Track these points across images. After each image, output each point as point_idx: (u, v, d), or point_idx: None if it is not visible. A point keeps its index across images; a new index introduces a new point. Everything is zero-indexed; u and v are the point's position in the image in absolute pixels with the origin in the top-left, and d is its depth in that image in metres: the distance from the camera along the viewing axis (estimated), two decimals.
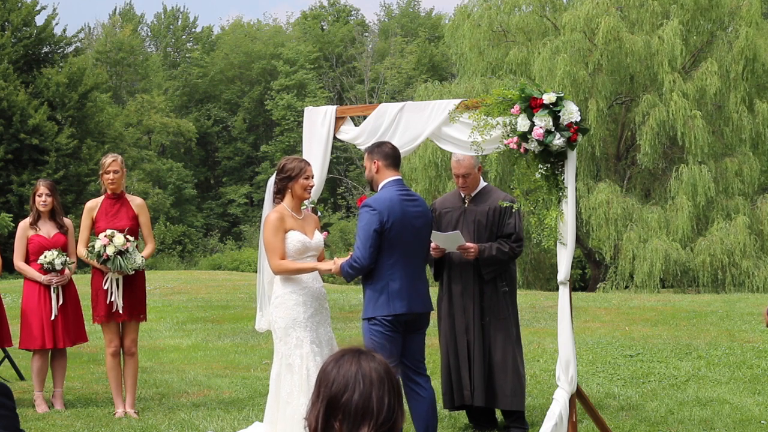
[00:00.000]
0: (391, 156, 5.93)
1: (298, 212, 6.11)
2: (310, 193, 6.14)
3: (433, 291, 7.07)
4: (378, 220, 5.67)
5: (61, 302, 7.66)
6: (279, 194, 6.12)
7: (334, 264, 5.91)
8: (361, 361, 2.67)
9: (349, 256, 5.83)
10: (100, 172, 7.51)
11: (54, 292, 7.64)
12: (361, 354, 2.70)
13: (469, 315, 6.65)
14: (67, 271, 7.70)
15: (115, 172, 7.43)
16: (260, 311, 6.59)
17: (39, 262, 7.61)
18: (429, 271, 7.13)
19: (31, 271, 7.67)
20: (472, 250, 6.51)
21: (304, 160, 6.19)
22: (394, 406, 2.66)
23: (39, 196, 7.74)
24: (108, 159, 7.50)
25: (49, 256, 7.57)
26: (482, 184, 6.91)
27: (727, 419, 6.91)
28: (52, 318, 7.62)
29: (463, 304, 6.67)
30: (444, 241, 6.57)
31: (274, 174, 6.20)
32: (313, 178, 6.14)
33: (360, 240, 5.72)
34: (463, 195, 6.86)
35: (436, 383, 7.00)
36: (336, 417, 2.61)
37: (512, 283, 6.79)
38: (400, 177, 5.97)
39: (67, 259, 7.65)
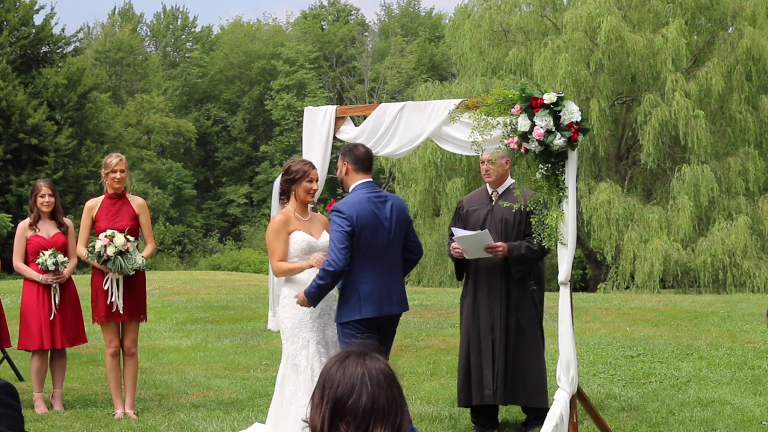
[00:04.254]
0: (361, 160, 5.94)
1: (304, 214, 6.13)
2: (313, 196, 6.16)
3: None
4: (347, 223, 5.70)
5: (58, 301, 7.64)
6: (284, 195, 6.16)
7: (314, 260, 5.92)
8: (366, 362, 2.64)
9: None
10: (105, 172, 7.46)
11: (53, 291, 7.62)
12: (366, 355, 2.67)
13: (495, 314, 6.61)
14: (66, 270, 7.67)
15: (122, 171, 7.42)
16: (271, 310, 6.62)
17: (36, 262, 7.59)
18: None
19: (30, 271, 7.65)
20: (500, 248, 6.46)
21: (309, 162, 6.20)
22: (401, 405, 2.65)
23: (41, 196, 7.72)
24: (114, 159, 7.46)
25: (42, 257, 7.54)
26: (510, 180, 6.84)
27: (728, 420, 6.88)
28: (51, 318, 7.60)
29: (489, 303, 6.62)
30: (471, 242, 6.48)
31: (280, 175, 6.23)
32: (317, 181, 6.15)
33: (333, 244, 5.73)
34: (489, 190, 6.79)
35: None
36: (343, 419, 2.58)
37: (541, 281, 6.74)
38: (370, 179, 5.98)
39: (60, 257, 7.59)
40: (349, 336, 5.75)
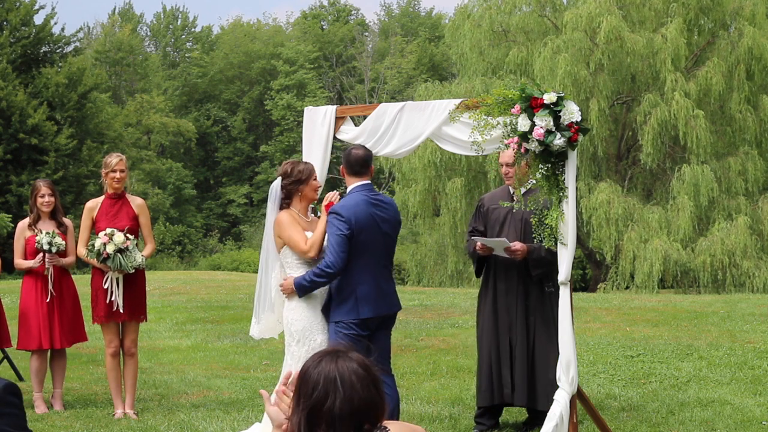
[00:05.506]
0: (351, 165, 6.00)
1: (306, 215, 6.12)
2: (317, 194, 6.17)
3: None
4: (346, 226, 5.76)
5: (53, 286, 7.62)
6: (287, 199, 6.10)
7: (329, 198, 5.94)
8: (339, 364, 2.68)
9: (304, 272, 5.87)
10: (105, 171, 7.47)
11: (47, 272, 7.60)
12: (339, 356, 2.70)
13: (512, 314, 6.62)
14: (64, 261, 7.67)
15: (121, 171, 7.43)
16: (256, 317, 6.57)
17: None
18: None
19: (26, 262, 7.66)
20: (519, 251, 6.47)
21: (308, 162, 6.22)
22: (378, 401, 2.68)
23: (41, 196, 7.72)
24: (114, 159, 7.48)
25: (39, 235, 7.55)
26: (532, 181, 6.80)
27: (728, 420, 6.88)
28: (48, 299, 7.59)
29: (507, 303, 6.64)
30: (490, 243, 6.54)
31: (279, 179, 6.17)
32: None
33: (331, 245, 5.78)
34: (511, 190, 6.77)
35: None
36: (320, 425, 2.62)
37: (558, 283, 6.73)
38: (367, 182, 6.03)
39: (57, 239, 7.56)
40: (342, 335, 5.79)
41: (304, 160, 6.62)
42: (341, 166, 6.05)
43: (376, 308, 5.90)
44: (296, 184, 6.06)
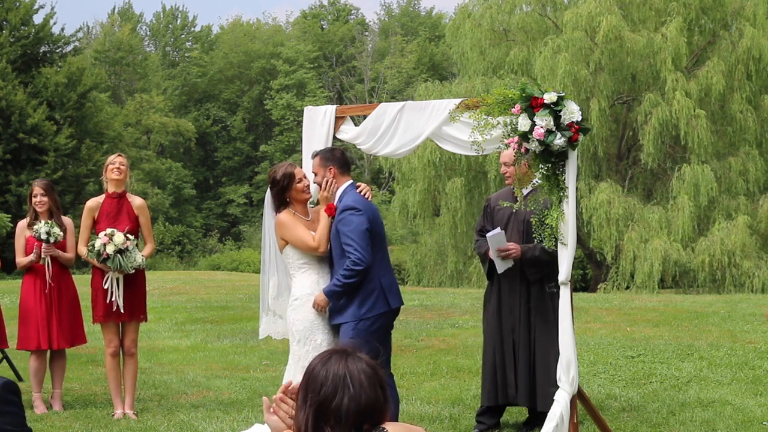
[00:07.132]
0: (345, 162, 6.09)
1: (305, 214, 6.09)
2: (309, 192, 6.12)
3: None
4: (366, 219, 5.81)
5: (52, 277, 7.62)
6: (282, 206, 6.08)
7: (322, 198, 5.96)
8: (349, 363, 2.69)
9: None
10: (106, 165, 7.48)
11: (43, 262, 7.59)
12: (348, 355, 2.71)
13: (515, 315, 6.62)
14: (63, 256, 7.66)
15: (122, 164, 7.41)
16: (265, 316, 6.54)
17: (33, 229, 7.60)
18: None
19: (26, 258, 7.66)
20: (513, 250, 6.47)
21: (290, 164, 6.17)
22: (382, 402, 2.69)
23: (34, 197, 7.71)
24: (115, 156, 7.53)
25: (38, 224, 7.54)
26: (535, 181, 6.76)
27: (729, 420, 6.87)
28: (46, 291, 7.59)
29: (510, 304, 6.64)
30: (491, 244, 6.51)
31: (269, 189, 6.16)
32: (305, 177, 6.11)
33: (356, 242, 5.74)
34: (513, 190, 6.74)
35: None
36: (327, 422, 2.62)
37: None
38: (352, 181, 6.10)
39: (55, 229, 7.54)
40: (364, 332, 5.73)
41: (303, 159, 6.60)
42: (330, 170, 5.97)
43: (399, 298, 5.99)
44: (282, 192, 6.05)
